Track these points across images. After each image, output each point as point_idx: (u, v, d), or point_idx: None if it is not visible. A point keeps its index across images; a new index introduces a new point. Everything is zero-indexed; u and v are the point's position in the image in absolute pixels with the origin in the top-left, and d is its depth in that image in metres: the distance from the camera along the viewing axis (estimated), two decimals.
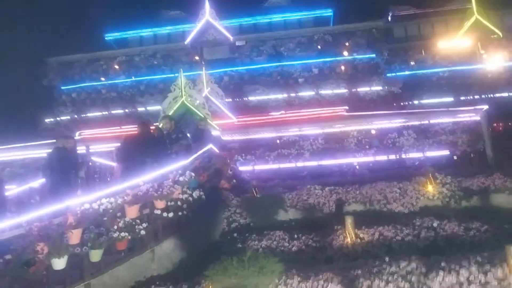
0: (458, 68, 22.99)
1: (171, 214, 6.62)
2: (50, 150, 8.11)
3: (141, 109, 22.92)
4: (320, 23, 25.14)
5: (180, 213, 6.86)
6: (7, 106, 25.37)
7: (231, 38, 23.87)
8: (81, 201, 5.72)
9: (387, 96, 21.53)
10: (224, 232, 8.15)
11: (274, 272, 4.36)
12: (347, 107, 18.04)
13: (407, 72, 23.34)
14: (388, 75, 22.70)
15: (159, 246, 6.36)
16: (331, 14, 25.77)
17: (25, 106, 25.38)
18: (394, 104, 20.27)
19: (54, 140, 8.39)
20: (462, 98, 21.10)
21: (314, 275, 5.08)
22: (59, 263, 5.00)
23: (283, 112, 19.34)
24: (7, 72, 26.49)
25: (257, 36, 24.63)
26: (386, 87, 21.79)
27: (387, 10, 27.73)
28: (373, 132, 14.24)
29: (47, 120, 23.51)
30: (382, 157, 13.54)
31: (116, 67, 24.73)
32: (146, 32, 26.88)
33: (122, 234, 5.66)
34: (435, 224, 6.93)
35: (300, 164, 13.78)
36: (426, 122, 14.06)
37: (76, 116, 23.40)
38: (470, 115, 13.90)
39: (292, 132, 14.53)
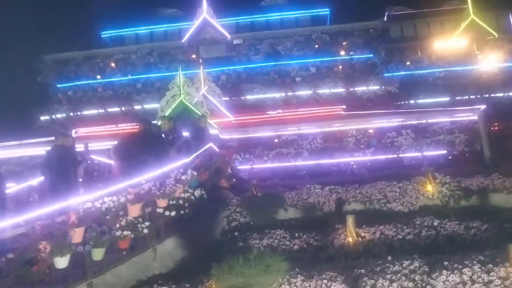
0: (454, 69, 23.08)
1: (173, 213, 6.62)
2: (48, 148, 8.03)
3: (137, 107, 22.75)
4: (317, 22, 25.07)
5: (182, 212, 6.86)
6: (2, 104, 25.19)
7: (228, 36, 23.76)
8: (83, 199, 5.70)
9: (384, 95, 21.56)
10: (224, 231, 8.13)
11: (279, 270, 4.37)
12: (344, 106, 18.10)
13: (403, 72, 23.38)
14: (385, 75, 22.72)
15: (161, 245, 6.35)
16: (328, 13, 25.77)
17: (21, 104, 25.20)
18: (394, 104, 20.31)
19: (52, 138, 8.34)
20: (457, 98, 21.20)
21: (317, 274, 5.09)
22: (61, 262, 5.00)
23: (279, 111, 19.35)
24: (1, 70, 26.29)
25: (254, 34, 24.46)
26: (383, 86, 21.80)
27: (383, 10, 27.74)
28: (371, 131, 14.27)
29: (42, 118, 23.22)
30: (380, 156, 13.57)
31: (113, 65, 24.51)
32: (143, 30, 26.63)
33: (125, 232, 5.65)
34: (435, 223, 6.97)
35: (298, 163, 13.76)
36: (425, 121, 14.11)
37: (72, 114, 23.18)
38: (468, 115, 13.97)
39: (291, 131, 14.50)
